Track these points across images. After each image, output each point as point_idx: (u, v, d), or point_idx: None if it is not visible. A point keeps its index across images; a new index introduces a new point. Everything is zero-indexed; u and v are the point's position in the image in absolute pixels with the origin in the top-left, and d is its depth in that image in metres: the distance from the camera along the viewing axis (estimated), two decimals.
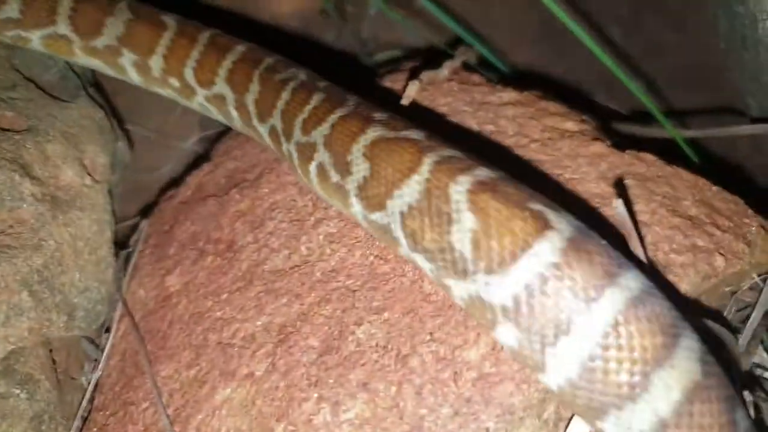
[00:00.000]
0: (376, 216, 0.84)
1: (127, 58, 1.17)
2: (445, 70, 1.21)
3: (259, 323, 0.96)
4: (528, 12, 1.57)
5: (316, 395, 0.86)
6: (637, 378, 0.67)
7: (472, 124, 1.13)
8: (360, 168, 0.84)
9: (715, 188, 1.04)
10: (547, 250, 0.69)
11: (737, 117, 1.45)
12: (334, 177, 0.89)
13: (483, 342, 0.83)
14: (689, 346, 0.69)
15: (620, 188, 0.98)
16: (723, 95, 1.49)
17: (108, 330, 1.11)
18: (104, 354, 1.08)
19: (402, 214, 0.79)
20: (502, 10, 1.59)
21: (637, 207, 0.97)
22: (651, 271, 0.89)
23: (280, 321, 0.95)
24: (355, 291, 0.93)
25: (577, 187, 1.01)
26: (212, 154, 1.25)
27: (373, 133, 0.84)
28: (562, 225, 0.70)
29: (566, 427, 0.83)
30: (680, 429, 0.67)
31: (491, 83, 1.25)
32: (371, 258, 0.95)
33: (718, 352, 0.88)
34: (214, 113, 1.14)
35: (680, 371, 0.67)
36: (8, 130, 1.05)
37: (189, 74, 1.11)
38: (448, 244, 0.74)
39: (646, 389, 0.67)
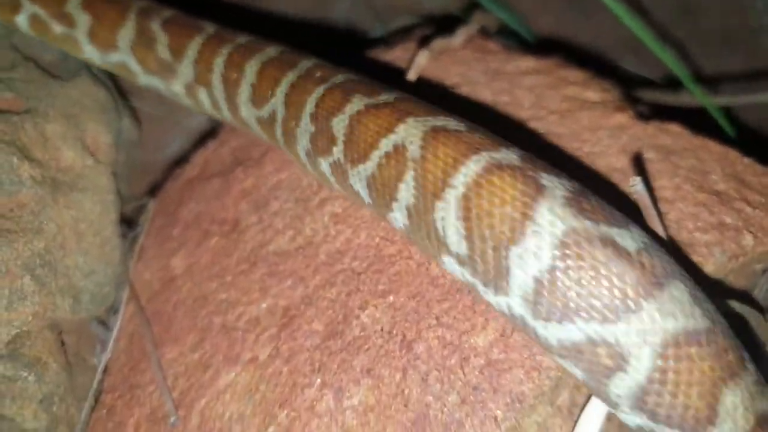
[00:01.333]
0: (111, 56, 1.17)
1: None
2: (459, 38, 1.15)
3: (263, 306, 0.94)
4: None
5: (319, 381, 0.84)
6: None
7: (487, 95, 1.08)
8: (82, 19, 1.16)
9: (746, 160, 0.98)
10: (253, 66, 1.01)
11: None
12: (58, 28, 1.18)
13: (491, 327, 0.79)
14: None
15: (639, 164, 0.92)
16: (760, 59, 1.41)
17: (116, 311, 1.09)
18: (113, 336, 1.07)
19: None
20: None
21: (660, 182, 0.92)
22: (672, 252, 0.83)
23: (284, 304, 0.92)
24: (360, 273, 0.89)
25: (597, 161, 0.96)
26: (219, 130, 1.22)
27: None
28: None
29: (581, 411, 0.79)
30: None
31: (509, 51, 1.19)
32: (377, 239, 0.91)
33: (744, 334, 0.83)
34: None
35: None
36: (6, 111, 1.03)
37: None
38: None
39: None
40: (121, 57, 1.16)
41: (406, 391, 0.79)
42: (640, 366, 0.65)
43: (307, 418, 0.82)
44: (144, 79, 1.17)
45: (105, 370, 1.07)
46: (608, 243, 0.66)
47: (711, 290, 0.84)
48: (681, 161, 0.96)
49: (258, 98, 1.00)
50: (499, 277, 0.70)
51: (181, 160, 1.26)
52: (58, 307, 0.99)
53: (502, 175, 0.70)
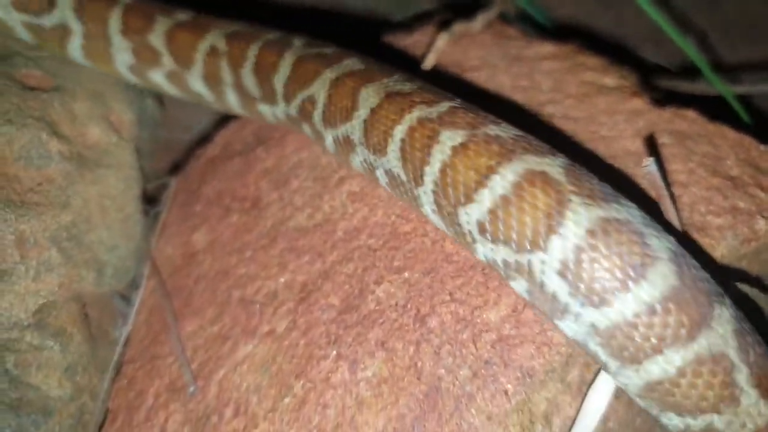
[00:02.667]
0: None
1: None
2: (479, 22, 1.17)
3: (281, 280, 0.96)
4: None
5: (334, 353, 0.86)
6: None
7: (505, 78, 1.09)
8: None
9: (762, 147, 0.98)
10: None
11: None
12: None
13: (503, 303, 0.81)
14: None
15: (652, 145, 0.93)
16: None
17: (137, 286, 1.12)
18: (134, 310, 1.10)
19: None
20: None
21: (674, 166, 0.93)
22: (683, 233, 0.84)
23: (302, 279, 0.94)
24: (376, 250, 0.91)
25: (612, 144, 0.97)
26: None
27: None
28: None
29: (588, 388, 0.80)
30: None
31: (528, 36, 1.20)
32: (393, 217, 0.93)
33: (754, 319, 0.84)
34: None
35: None
36: (36, 88, 1.06)
37: None
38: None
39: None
40: None
41: (419, 364, 0.81)
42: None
43: (323, 389, 0.84)
44: None
45: (126, 343, 1.10)
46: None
47: (722, 273, 0.86)
48: (696, 146, 0.96)
49: (25, 3, 1.09)
50: (271, 96, 1.01)
51: (204, 140, 1.29)
52: (82, 279, 1.02)
53: (243, 43, 1.03)
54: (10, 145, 1.00)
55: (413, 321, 0.83)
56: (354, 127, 0.87)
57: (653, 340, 0.66)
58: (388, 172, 0.85)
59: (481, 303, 0.81)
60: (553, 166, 0.71)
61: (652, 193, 0.88)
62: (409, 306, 0.85)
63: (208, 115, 1.38)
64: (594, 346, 0.70)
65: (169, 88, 1.15)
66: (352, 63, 0.93)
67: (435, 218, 0.82)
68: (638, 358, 0.67)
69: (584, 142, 0.97)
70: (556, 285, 0.69)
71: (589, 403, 0.80)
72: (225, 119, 1.30)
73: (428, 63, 1.13)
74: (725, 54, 1.48)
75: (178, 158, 1.32)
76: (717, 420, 0.68)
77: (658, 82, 1.26)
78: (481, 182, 0.72)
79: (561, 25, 1.48)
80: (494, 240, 0.73)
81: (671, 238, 0.69)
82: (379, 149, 0.84)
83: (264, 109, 1.06)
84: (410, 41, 1.22)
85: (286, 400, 0.86)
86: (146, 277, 1.11)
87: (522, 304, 0.80)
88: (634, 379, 0.69)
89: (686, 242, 0.84)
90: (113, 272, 1.08)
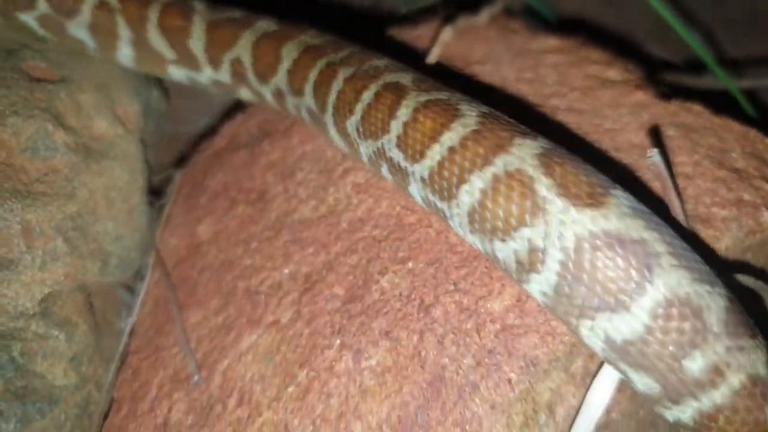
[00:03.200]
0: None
1: None
2: (483, 16, 1.17)
3: (286, 271, 0.96)
4: None
5: (338, 342, 0.86)
6: None
7: (510, 71, 1.09)
8: None
9: (767, 140, 0.98)
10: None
11: None
12: None
13: (507, 293, 0.81)
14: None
15: (657, 137, 0.93)
16: None
17: (142, 278, 1.13)
18: (138, 300, 1.10)
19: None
20: None
21: (679, 158, 0.93)
22: (687, 224, 0.84)
23: (307, 270, 0.95)
24: (380, 241, 0.91)
25: (617, 137, 0.97)
26: (246, 104, 1.25)
27: None
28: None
29: (592, 379, 0.80)
30: None
31: (532, 30, 1.20)
32: (398, 208, 0.93)
33: (757, 310, 0.84)
34: None
35: None
36: (42, 80, 1.07)
37: None
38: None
39: None
40: None
41: (423, 353, 0.81)
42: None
43: (326, 378, 0.84)
44: None
45: (131, 334, 1.10)
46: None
47: (725, 265, 0.86)
48: (701, 139, 0.96)
49: None
50: (190, 61, 1.07)
51: (208, 133, 1.29)
52: (87, 269, 1.03)
53: (137, 2, 1.09)
54: (16, 137, 1.01)
55: (417, 311, 0.84)
56: (281, 78, 1.02)
57: (456, 171, 0.77)
58: (308, 109, 0.99)
59: (485, 293, 0.82)
60: (406, 78, 0.88)
61: (657, 185, 0.88)
62: (413, 296, 0.85)
63: (212, 108, 1.38)
64: (431, 197, 0.82)
65: (39, 30, 1.14)
66: (266, 25, 1.05)
67: (336, 137, 0.97)
68: (453, 192, 0.78)
69: (588, 134, 0.97)
70: (396, 155, 0.85)
71: (593, 393, 0.80)
72: (231, 111, 1.30)
73: (433, 56, 1.13)
74: (730, 48, 1.47)
75: (183, 150, 1.33)
76: (532, 234, 0.71)
77: (664, 76, 1.25)
78: (356, 98, 0.90)
79: (566, 19, 1.48)
80: (365, 137, 0.89)
81: (484, 106, 0.82)
82: (299, 92, 0.99)
83: (176, 71, 1.14)
84: (415, 35, 1.23)
85: (290, 389, 0.87)
86: (151, 269, 1.12)
87: (526, 295, 0.80)
88: (460, 214, 0.78)
89: (690, 233, 0.84)
90: (118, 263, 1.08)
